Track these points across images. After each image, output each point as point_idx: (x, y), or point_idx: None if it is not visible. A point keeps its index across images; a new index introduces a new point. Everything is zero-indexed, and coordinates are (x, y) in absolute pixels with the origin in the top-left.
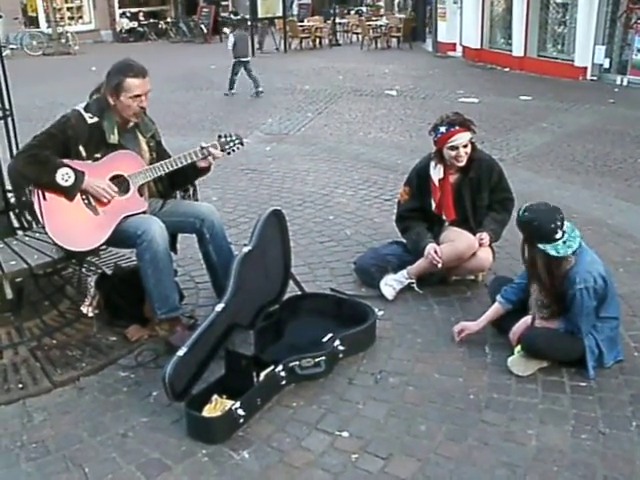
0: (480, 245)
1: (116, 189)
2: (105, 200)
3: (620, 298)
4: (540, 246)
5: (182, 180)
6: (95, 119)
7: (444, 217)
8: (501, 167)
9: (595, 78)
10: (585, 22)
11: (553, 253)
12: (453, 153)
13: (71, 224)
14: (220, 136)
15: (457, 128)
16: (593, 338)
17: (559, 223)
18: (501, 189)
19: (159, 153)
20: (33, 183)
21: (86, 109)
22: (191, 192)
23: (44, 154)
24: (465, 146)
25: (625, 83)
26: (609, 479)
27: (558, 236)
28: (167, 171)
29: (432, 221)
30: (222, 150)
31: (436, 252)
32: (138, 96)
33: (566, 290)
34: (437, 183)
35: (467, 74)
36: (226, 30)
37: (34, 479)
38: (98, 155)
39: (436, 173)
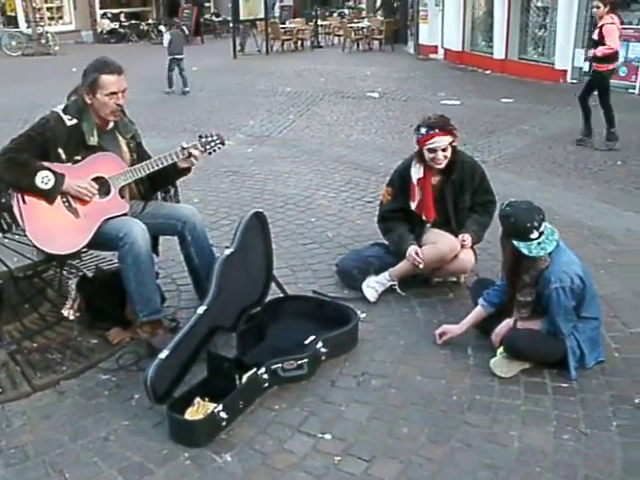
0: (462, 247)
1: (97, 187)
2: (87, 199)
3: (601, 299)
4: (514, 242)
5: (163, 181)
6: (74, 121)
7: (424, 218)
8: (484, 169)
9: (575, 81)
10: (565, 26)
11: (525, 252)
12: (431, 155)
13: (51, 227)
14: (201, 136)
15: (437, 131)
16: (575, 339)
17: (536, 224)
18: (483, 191)
19: (139, 154)
20: (12, 187)
21: (65, 111)
22: (172, 193)
23: (23, 157)
24: (444, 150)
25: None
26: (590, 479)
27: (533, 236)
28: (148, 172)
29: (414, 222)
30: (203, 150)
31: (417, 254)
32: (114, 93)
33: (542, 290)
34: (415, 182)
35: (449, 76)
36: (162, 28)
37: None
38: (78, 157)
39: (416, 172)
